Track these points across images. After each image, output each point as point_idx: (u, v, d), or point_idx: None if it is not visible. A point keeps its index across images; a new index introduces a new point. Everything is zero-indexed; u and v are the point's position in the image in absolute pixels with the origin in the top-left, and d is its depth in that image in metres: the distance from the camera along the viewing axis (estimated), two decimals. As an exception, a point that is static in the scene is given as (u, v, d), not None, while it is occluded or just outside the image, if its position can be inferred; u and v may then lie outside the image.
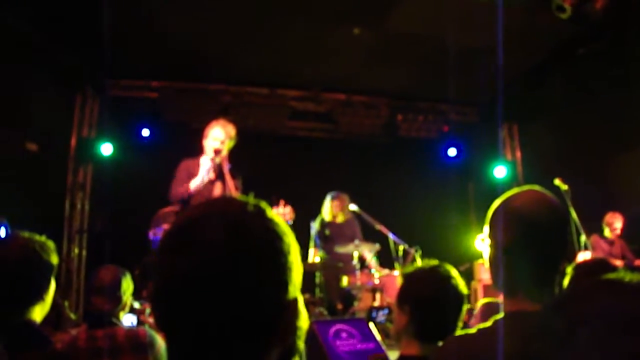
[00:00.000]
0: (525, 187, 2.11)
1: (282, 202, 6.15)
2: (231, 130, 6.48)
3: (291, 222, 6.06)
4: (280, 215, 6.02)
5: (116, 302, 3.74)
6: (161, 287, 1.15)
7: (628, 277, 1.64)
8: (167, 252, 1.16)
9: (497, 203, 2.10)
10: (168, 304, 1.13)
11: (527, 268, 1.93)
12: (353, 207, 9.02)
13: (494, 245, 2.06)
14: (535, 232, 1.95)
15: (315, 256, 8.90)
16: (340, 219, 9.12)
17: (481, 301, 3.91)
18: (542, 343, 1.66)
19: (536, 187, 2.11)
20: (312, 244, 8.99)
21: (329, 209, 9.13)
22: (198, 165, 6.45)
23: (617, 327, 1.49)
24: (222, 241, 1.12)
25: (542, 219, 1.97)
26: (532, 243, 1.94)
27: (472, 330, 1.95)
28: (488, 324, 1.90)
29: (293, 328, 1.25)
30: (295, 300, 1.23)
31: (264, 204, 1.25)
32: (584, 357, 1.54)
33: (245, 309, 1.12)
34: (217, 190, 6.41)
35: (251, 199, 1.26)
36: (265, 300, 1.14)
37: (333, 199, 9.16)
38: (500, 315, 1.94)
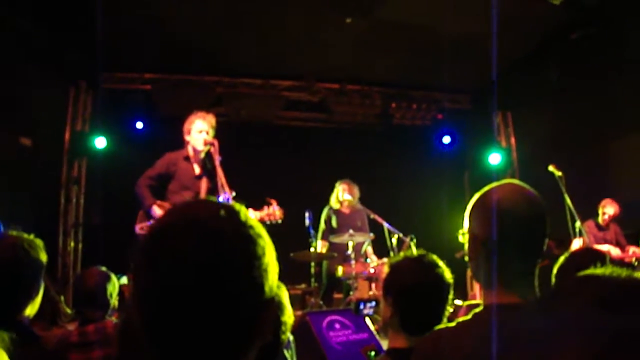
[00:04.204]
0: (504, 181, 2.11)
1: (274, 202, 6.20)
2: (212, 119, 6.55)
3: (280, 221, 6.13)
4: (270, 215, 6.08)
5: (104, 307, 3.78)
6: (141, 297, 1.16)
7: (610, 271, 1.67)
8: (145, 264, 1.17)
9: (476, 197, 2.11)
10: (149, 311, 1.15)
11: (506, 261, 1.94)
12: (347, 197, 9.03)
13: (473, 239, 2.08)
14: (513, 225, 1.96)
15: (322, 247, 8.92)
16: (347, 205, 9.11)
17: (465, 303, 3.90)
18: (523, 340, 1.68)
19: (514, 181, 2.12)
20: (319, 235, 9.00)
21: (336, 196, 9.13)
22: (181, 161, 6.50)
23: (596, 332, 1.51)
24: (196, 251, 1.13)
25: (521, 212, 1.97)
26: (511, 236, 1.95)
27: (452, 324, 1.95)
28: (468, 317, 1.91)
29: (271, 325, 1.26)
30: (272, 299, 1.23)
31: (237, 206, 1.26)
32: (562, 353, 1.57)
33: (223, 313, 1.13)
34: (204, 184, 6.45)
35: (224, 203, 1.27)
36: (242, 303, 1.16)
37: (341, 183, 9.16)
38: (480, 308, 1.95)
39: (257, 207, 6.19)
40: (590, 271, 1.69)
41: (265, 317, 1.21)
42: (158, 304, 1.13)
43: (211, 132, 6.44)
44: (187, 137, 6.51)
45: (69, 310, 5.75)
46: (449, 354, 1.81)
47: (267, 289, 1.20)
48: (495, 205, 1.99)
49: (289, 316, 2.07)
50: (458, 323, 1.93)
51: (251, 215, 1.24)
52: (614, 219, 9.23)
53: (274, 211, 6.19)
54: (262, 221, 5.86)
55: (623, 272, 1.64)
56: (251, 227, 1.22)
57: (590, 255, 3.09)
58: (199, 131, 6.42)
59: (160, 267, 1.14)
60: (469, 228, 2.11)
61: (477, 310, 1.93)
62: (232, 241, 1.17)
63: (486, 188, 2.09)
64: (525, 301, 1.89)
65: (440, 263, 2.84)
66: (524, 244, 1.96)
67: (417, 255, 2.87)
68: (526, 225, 1.97)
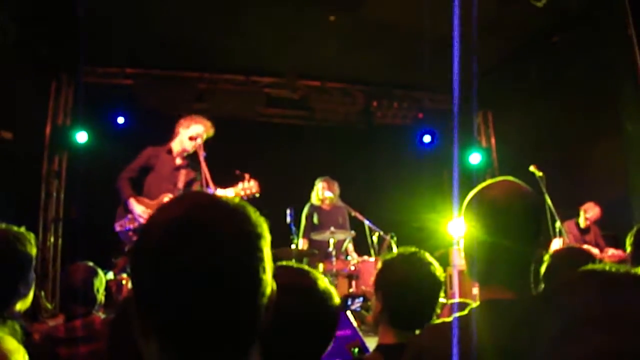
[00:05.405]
0: (499, 178, 2.13)
1: (247, 176, 6.20)
2: (210, 129, 6.55)
3: (257, 195, 6.13)
4: (247, 189, 6.09)
5: (91, 303, 3.76)
6: (170, 282, 1.15)
7: (609, 267, 1.68)
8: (177, 248, 1.15)
9: (472, 194, 2.12)
10: (181, 298, 1.15)
11: (502, 257, 1.96)
12: (328, 194, 9.04)
13: (469, 235, 2.09)
14: (509, 221, 1.98)
15: (304, 244, 8.93)
16: (328, 202, 9.13)
17: (450, 301, 3.94)
18: (526, 333, 1.70)
19: (510, 178, 2.14)
20: (301, 232, 9.01)
21: (316, 193, 9.16)
22: (163, 154, 6.50)
23: (597, 322, 1.53)
24: (234, 232, 1.19)
25: (516, 208, 2.00)
26: (507, 232, 1.97)
27: (449, 319, 1.97)
28: (464, 312, 1.93)
29: (269, 306, 1.26)
30: (270, 283, 1.26)
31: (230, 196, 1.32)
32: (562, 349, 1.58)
33: (229, 297, 1.16)
34: (182, 176, 6.45)
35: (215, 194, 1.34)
36: (264, 280, 1.21)
37: (321, 181, 9.19)
38: (477, 303, 1.97)
39: (232, 183, 6.18)
40: (590, 267, 1.71)
41: (267, 301, 1.24)
42: (195, 289, 1.13)
43: (204, 137, 6.46)
44: (181, 129, 6.51)
45: (49, 306, 5.73)
46: (444, 347, 1.83)
47: (267, 275, 1.23)
48: (490, 203, 2.02)
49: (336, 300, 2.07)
50: (455, 318, 1.95)
51: (228, 193, 1.29)
52: (595, 222, 9.32)
53: (250, 185, 6.19)
54: (239, 197, 5.88)
55: (621, 268, 1.66)
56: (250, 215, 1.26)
57: (580, 254, 3.13)
58: (196, 133, 6.43)
59: (202, 250, 1.14)
60: (465, 224, 2.12)
61: (472, 306, 1.95)
62: (256, 223, 1.24)
63: (482, 185, 2.12)
64: (521, 297, 1.91)
65: (432, 260, 2.85)
66: (520, 240, 1.98)
67: (410, 252, 2.89)
68: (521, 221, 1.99)
